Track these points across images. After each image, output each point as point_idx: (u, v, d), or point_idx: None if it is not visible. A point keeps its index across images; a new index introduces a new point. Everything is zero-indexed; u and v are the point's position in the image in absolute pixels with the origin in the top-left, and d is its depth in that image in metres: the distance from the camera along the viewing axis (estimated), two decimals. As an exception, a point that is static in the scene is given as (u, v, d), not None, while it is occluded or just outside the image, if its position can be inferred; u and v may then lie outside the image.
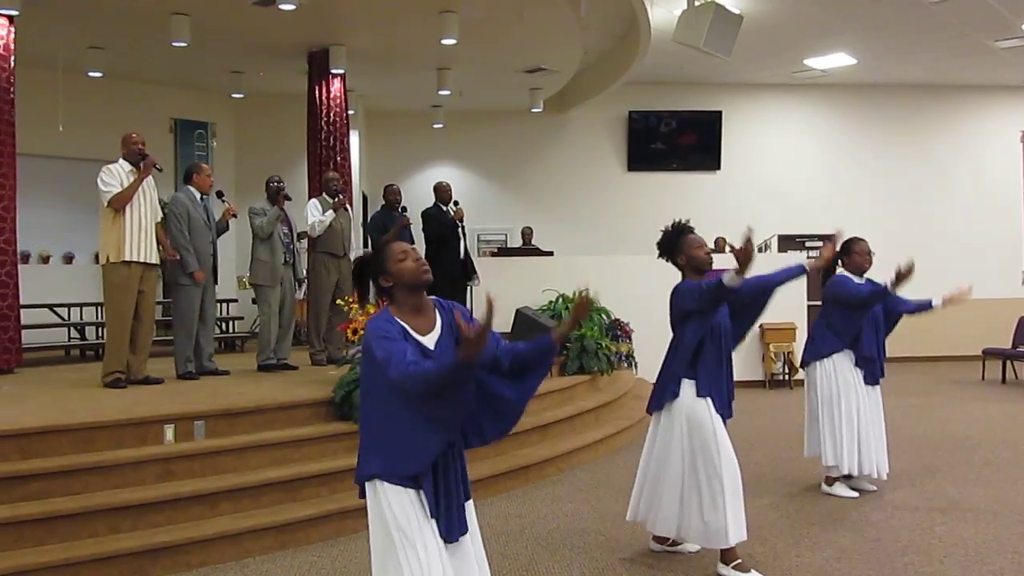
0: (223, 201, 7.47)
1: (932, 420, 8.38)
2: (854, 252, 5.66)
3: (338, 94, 10.41)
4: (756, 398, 9.86)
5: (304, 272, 8.20)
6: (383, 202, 9.08)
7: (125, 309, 6.46)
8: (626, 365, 9.39)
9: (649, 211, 13.91)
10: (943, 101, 14.45)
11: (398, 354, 2.65)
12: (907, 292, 5.37)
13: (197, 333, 7.10)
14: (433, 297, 2.95)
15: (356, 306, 6.17)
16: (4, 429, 4.65)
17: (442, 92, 11.76)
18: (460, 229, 8.89)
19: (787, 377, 10.90)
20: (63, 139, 10.09)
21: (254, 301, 7.80)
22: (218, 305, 9.62)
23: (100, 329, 9.94)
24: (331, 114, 10.35)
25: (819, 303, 6.00)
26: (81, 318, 10.23)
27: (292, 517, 4.79)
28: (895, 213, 14.03)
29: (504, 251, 12.09)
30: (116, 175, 6.44)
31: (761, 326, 10.51)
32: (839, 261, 5.74)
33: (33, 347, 9.00)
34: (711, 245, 4.57)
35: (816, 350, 5.72)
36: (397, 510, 2.74)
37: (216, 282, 7.28)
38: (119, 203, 6.37)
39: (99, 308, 9.75)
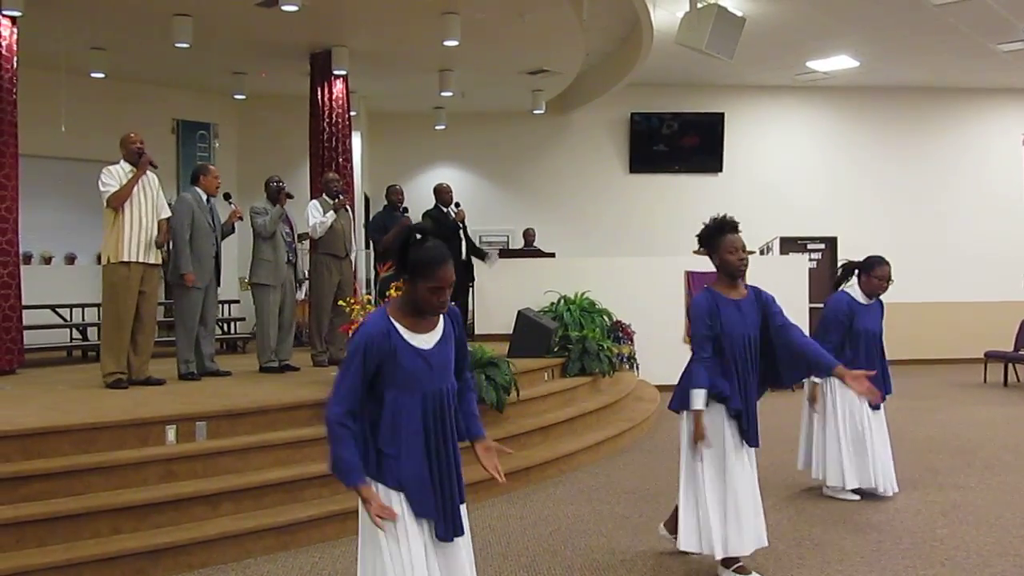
0: (230, 203, 7.47)
1: (934, 423, 8.38)
2: (874, 275, 5.54)
3: (340, 95, 10.42)
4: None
5: (305, 273, 8.20)
6: (385, 202, 9.08)
7: (123, 310, 6.45)
8: (627, 367, 9.39)
9: (651, 213, 13.98)
10: (945, 104, 14.45)
11: (341, 392, 2.76)
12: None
13: (198, 334, 7.10)
14: None
15: (358, 307, 6.17)
16: (6, 430, 4.65)
17: (444, 93, 11.77)
18: (461, 231, 8.90)
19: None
20: (65, 140, 10.10)
21: (254, 302, 7.77)
22: (220, 306, 9.62)
23: (101, 330, 9.94)
24: (333, 115, 10.36)
25: (821, 306, 5.99)
26: (83, 319, 10.24)
27: (294, 518, 4.79)
28: (897, 215, 14.03)
29: (506, 252, 12.10)
30: (115, 175, 6.44)
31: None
32: (856, 275, 5.64)
33: (35, 348, 9.01)
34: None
35: None
36: (393, 504, 2.76)
37: (219, 284, 7.28)
38: (117, 201, 6.37)
39: (100, 309, 9.75)
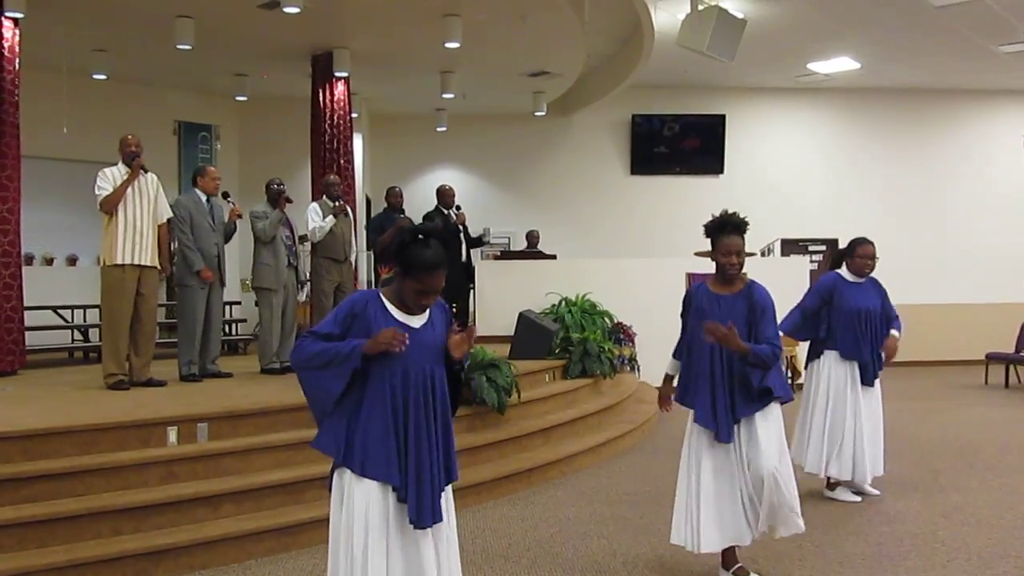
0: (229, 202, 7.47)
1: (935, 424, 8.37)
2: (856, 255, 5.64)
3: (342, 97, 10.42)
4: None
5: (307, 275, 8.21)
6: (385, 204, 9.09)
7: (119, 312, 6.45)
8: (628, 368, 9.39)
9: (652, 215, 13.99)
10: (946, 106, 14.45)
11: (323, 326, 2.84)
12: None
13: (201, 335, 7.10)
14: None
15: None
16: (8, 431, 4.66)
17: (446, 95, 11.78)
18: (461, 234, 8.90)
19: (790, 381, 10.89)
20: (67, 141, 10.11)
21: (257, 304, 7.81)
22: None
23: (101, 332, 9.95)
24: (335, 117, 10.37)
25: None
26: (84, 320, 10.24)
27: (295, 519, 4.79)
28: (898, 217, 14.02)
29: (507, 254, 12.10)
30: (110, 178, 6.43)
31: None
32: (843, 260, 5.74)
33: (36, 349, 9.00)
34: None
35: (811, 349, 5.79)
36: (358, 496, 2.79)
37: (223, 284, 7.28)
38: (109, 205, 6.36)
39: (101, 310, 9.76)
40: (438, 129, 13.78)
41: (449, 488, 2.97)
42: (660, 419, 8.20)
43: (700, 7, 9.05)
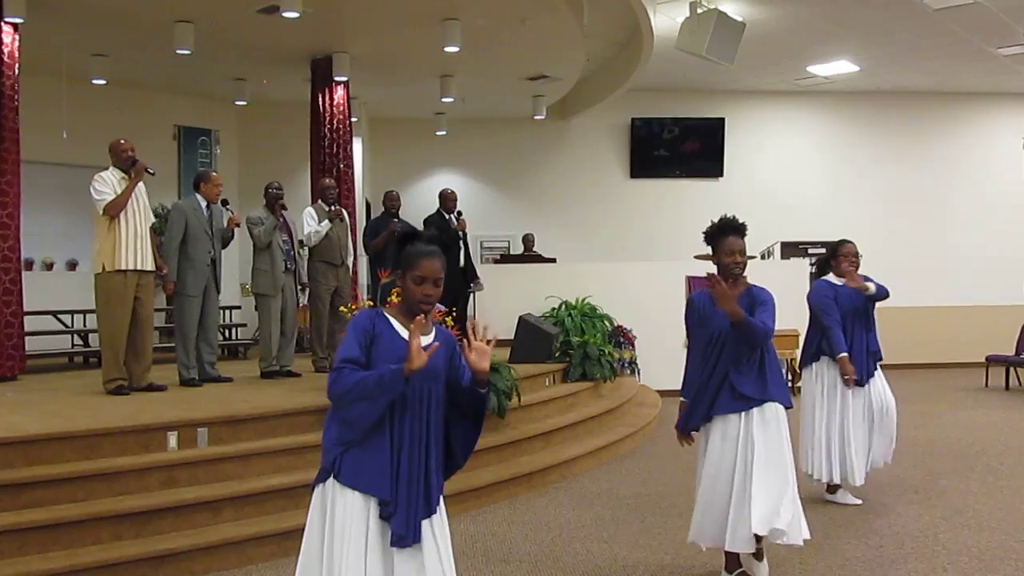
0: (228, 210, 7.47)
1: (935, 427, 8.37)
2: (840, 254, 5.71)
3: (341, 101, 10.43)
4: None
5: (307, 278, 8.21)
6: (383, 208, 9.09)
7: (120, 318, 6.44)
8: (629, 372, 9.39)
9: (651, 218, 13.99)
10: (946, 108, 14.46)
11: (342, 354, 2.79)
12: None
13: (198, 340, 7.10)
14: (435, 323, 3.01)
15: (358, 311, 6.17)
16: (8, 436, 4.66)
17: (445, 99, 11.78)
18: (462, 240, 8.90)
19: (790, 384, 10.88)
20: (67, 146, 10.11)
21: (256, 309, 7.81)
22: (221, 312, 9.61)
23: (99, 338, 9.95)
24: (334, 121, 10.38)
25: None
26: (84, 325, 10.23)
27: (295, 524, 4.74)
28: (898, 220, 14.03)
29: (507, 258, 12.10)
30: (108, 182, 6.42)
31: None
32: (830, 264, 5.79)
33: (36, 354, 8.99)
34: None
35: (805, 354, 5.79)
36: (339, 508, 2.76)
37: (219, 291, 7.28)
38: (115, 210, 6.36)
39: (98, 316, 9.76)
40: (438, 133, 13.79)
41: (443, 513, 2.94)
42: (660, 423, 8.20)
43: (699, 10, 9.07)
